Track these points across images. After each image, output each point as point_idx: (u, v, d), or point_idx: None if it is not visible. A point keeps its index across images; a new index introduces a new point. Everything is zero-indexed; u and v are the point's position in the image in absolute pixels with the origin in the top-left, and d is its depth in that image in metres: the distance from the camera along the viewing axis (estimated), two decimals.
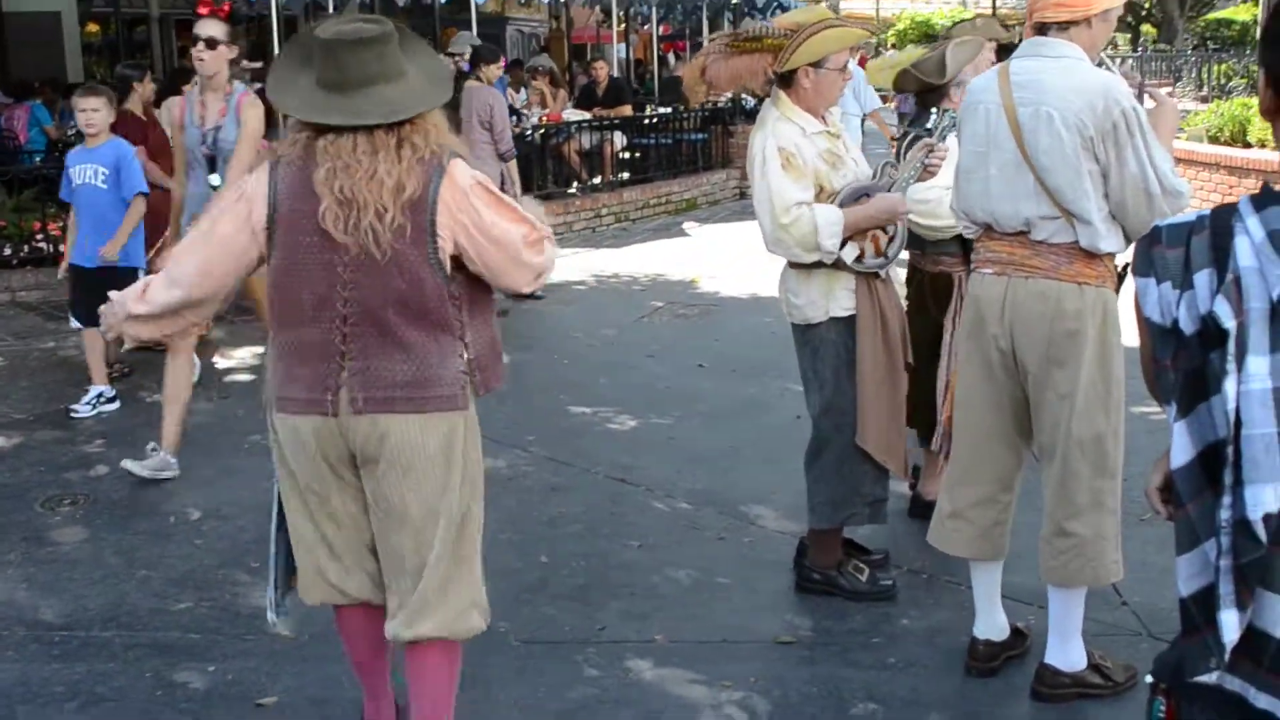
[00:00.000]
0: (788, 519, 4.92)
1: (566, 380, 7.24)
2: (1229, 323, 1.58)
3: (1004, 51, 4.70)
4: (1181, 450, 1.64)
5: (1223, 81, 20.91)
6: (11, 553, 4.78)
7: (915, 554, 4.59)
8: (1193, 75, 21.78)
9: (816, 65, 4.04)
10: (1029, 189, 3.42)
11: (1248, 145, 11.47)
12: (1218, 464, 1.60)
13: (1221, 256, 1.62)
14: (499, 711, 3.62)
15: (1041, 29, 3.47)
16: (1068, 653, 3.61)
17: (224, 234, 3.00)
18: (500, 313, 9.97)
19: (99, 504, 5.29)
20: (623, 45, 20.14)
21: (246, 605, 4.25)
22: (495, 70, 9.59)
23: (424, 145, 2.90)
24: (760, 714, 3.58)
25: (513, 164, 9.35)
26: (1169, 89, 15.42)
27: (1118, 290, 3.51)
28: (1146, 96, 3.67)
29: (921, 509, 4.92)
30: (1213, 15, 39.23)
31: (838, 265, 4.03)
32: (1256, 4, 34.06)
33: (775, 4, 18.53)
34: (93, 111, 6.37)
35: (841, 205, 4.00)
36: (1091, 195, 3.35)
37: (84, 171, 6.43)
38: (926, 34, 35.12)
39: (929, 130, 4.59)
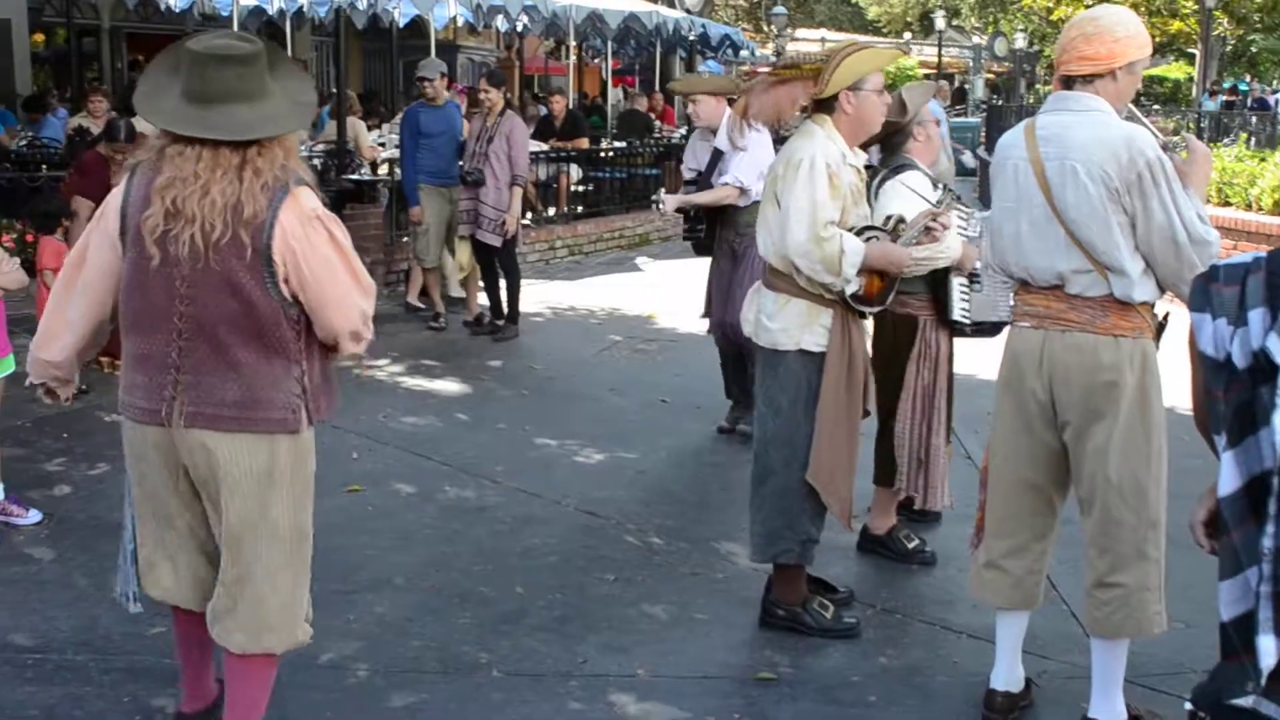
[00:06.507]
0: None
1: (531, 412, 7.22)
2: None
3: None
4: (1229, 479, 1.67)
5: None
6: None
7: (888, 593, 4.67)
8: None
9: (854, 89, 4.06)
10: (1061, 243, 3.42)
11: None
12: (1263, 493, 1.62)
13: (1275, 296, 1.66)
14: None
15: (1067, 82, 3.48)
16: (1110, 705, 3.57)
17: (92, 255, 3.06)
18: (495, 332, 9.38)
19: (64, 524, 5.21)
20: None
21: None
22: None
23: (268, 169, 2.91)
24: None
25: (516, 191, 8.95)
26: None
27: (1157, 340, 3.50)
28: (1181, 144, 3.65)
29: (870, 543, 5.03)
30: None
31: (826, 297, 4.04)
32: None
33: (728, 43, 18.75)
34: None
35: None
36: (1123, 246, 3.35)
37: None
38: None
39: (935, 203, 4.54)
